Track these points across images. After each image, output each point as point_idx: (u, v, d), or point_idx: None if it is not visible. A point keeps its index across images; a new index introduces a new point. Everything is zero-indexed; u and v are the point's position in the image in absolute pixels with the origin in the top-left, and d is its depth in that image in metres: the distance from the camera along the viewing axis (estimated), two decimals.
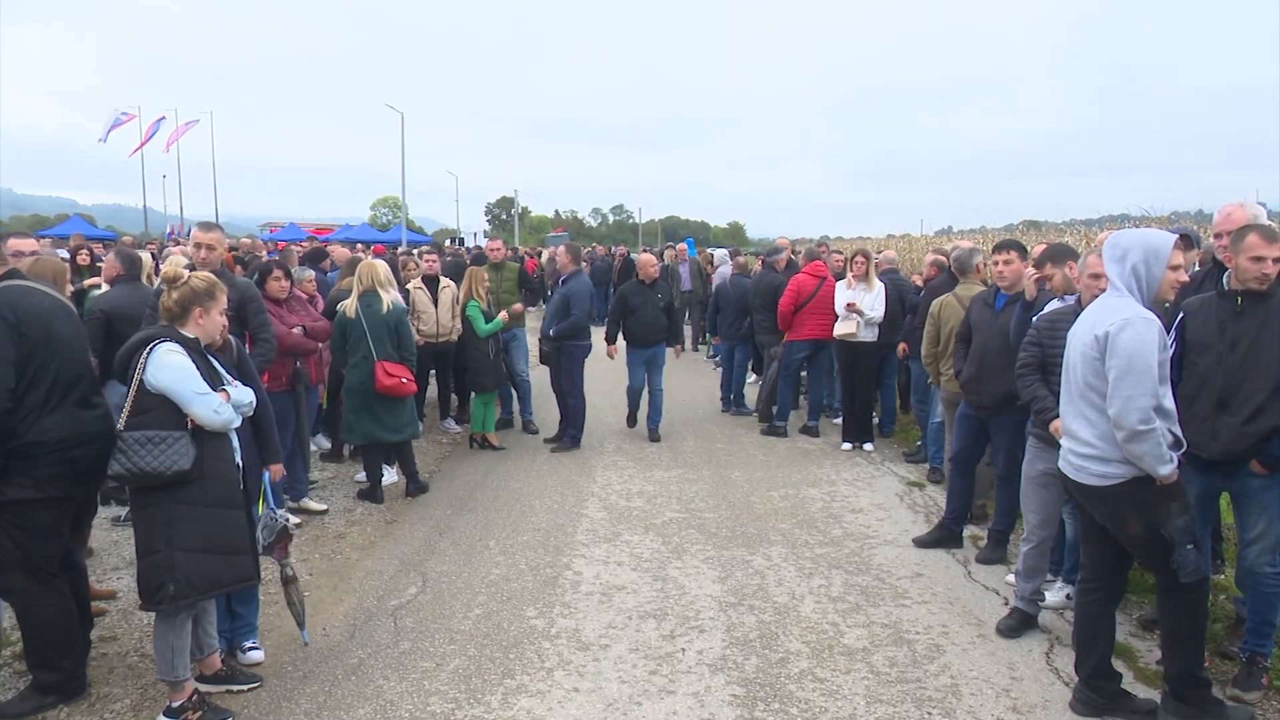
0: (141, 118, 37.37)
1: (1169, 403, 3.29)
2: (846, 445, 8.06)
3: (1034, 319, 4.46)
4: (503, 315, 8.10)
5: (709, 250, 18.13)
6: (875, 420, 8.65)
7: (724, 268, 12.85)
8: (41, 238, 6.81)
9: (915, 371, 7.55)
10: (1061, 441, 3.59)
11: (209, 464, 3.38)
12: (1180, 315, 3.76)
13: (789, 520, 6.04)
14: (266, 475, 3.87)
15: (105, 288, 5.94)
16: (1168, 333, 3.43)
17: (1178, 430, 3.32)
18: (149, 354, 3.32)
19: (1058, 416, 4.06)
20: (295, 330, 5.83)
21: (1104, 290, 3.73)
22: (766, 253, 10.42)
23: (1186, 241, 4.71)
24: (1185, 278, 3.27)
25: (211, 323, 3.55)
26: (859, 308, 7.75)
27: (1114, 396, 3.20)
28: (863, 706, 3.60)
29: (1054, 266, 4.57)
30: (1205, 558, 3.51)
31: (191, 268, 4.22)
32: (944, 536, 5.52)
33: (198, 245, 4.89)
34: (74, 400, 3.48)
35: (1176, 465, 3.26)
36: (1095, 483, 3.35)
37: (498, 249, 9.13)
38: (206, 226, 5.05)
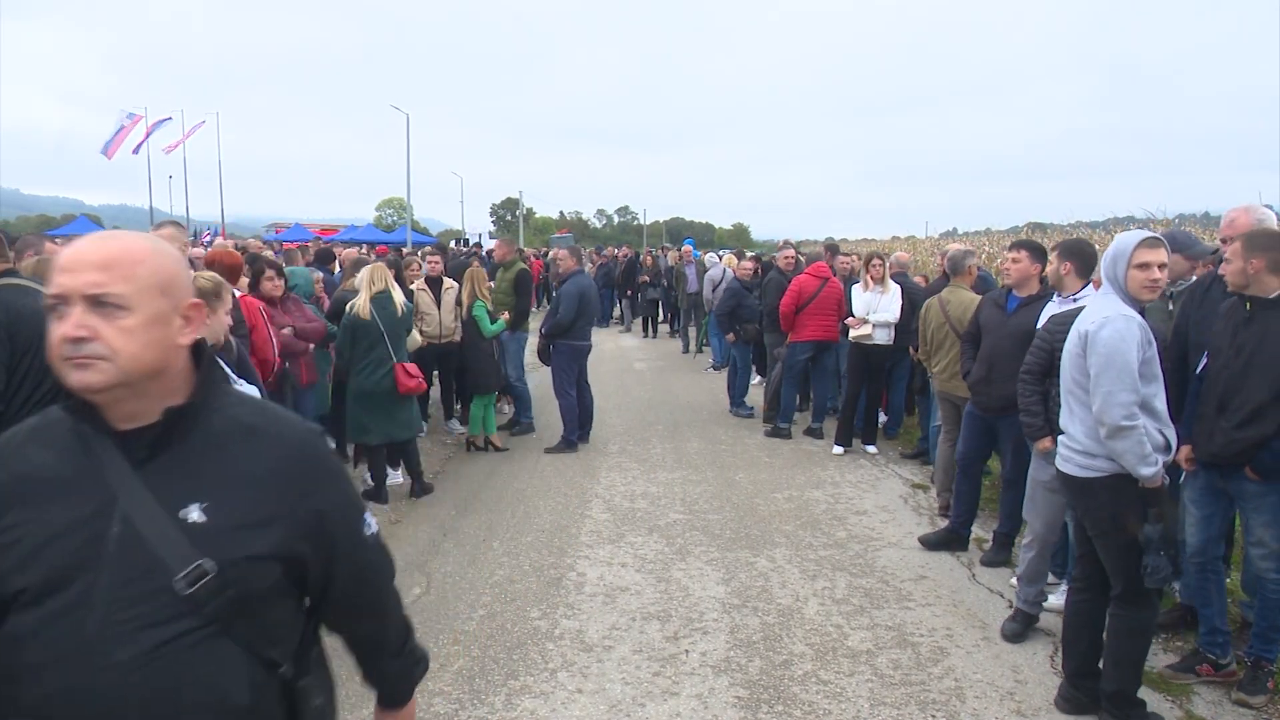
0: (148, 118, 37.51)
1: (1160, 403, 3.30)
2: (838, 449, 8.00)
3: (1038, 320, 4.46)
4: (505, 315, 8.17)
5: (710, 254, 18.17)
6: (882, 422, 8.64)
7: (713, 270, 12.97)
8: (51, 238, 6.87)
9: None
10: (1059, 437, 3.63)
11: None
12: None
13: (793, 522, 6.04)
14: None
15: None
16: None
17: (1170, 433, 3.34)
18: None
19: (1046, 435, 4.11)
20: (285, 331, 5.83)
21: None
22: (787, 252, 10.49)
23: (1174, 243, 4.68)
24: (1158, 276, 3.31)
25: (217, 323, 3.56)
26: (859, 320, 7.78)
27: (1095, 393, 3.25)
28: (866, 709, 3.59)
29: (1058, 259, 4.57)
30: (1170, 570, 3.49)
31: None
32: (950, 538, 5.52)
33: None
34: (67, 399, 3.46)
35: (1160, 468, 3.26)
36: (1080, 473, 3.37)
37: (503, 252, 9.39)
38: (160, 224, 5.05)
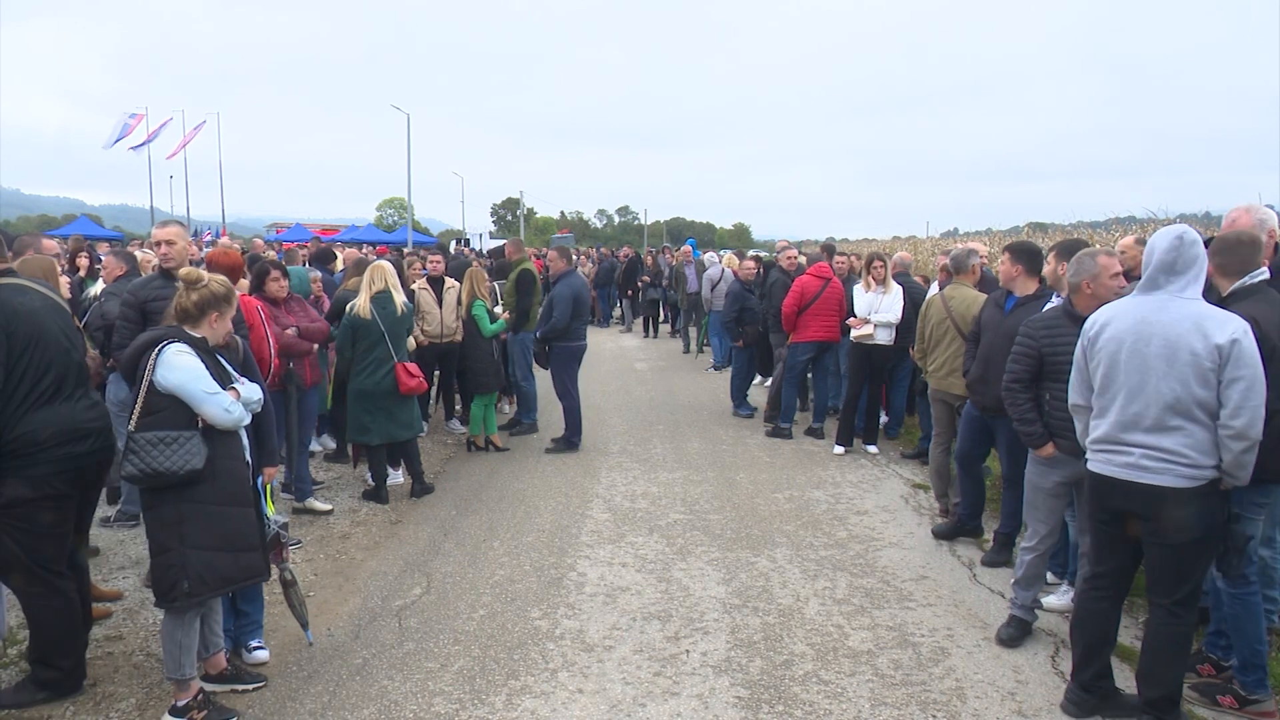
0: (149, 118, 37.59)
1: None
2: (839, 449, 8.00)
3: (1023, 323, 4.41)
4: (505, 315, 8.18)
5: (710, 253, 18.15)
6: (882, 422, 8.64)
7: (712, 270, 12.98)
8: (51, 238, 6.89)
9: None
10: (1116, 448, 3.34)
11: (219, 462, 3.40)
12: None
13: (794, 522, 6.04)
14: (260, 479, 3.86)
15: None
16: None
17: None
18: (158, 355, 3.34)
19: (1046, 442, 4.08)
20: (289, 331, 5.83)
21: (1122, 290, 3.75)
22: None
23: None
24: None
25: (224, 325, 3.58)
26: (861, 320, 7.78)
27: (1243, 408, 3.08)
28: (867, 709, 3.59)
29: (1055, 260, 4.57)
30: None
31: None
32: (961, 529, 5.60)
33: (157, 243, 4.87)
34: (67, 396, 3.51)
35: None
36: (1182, 484, 3.20)
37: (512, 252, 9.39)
38: (164, 223, 5.05)
